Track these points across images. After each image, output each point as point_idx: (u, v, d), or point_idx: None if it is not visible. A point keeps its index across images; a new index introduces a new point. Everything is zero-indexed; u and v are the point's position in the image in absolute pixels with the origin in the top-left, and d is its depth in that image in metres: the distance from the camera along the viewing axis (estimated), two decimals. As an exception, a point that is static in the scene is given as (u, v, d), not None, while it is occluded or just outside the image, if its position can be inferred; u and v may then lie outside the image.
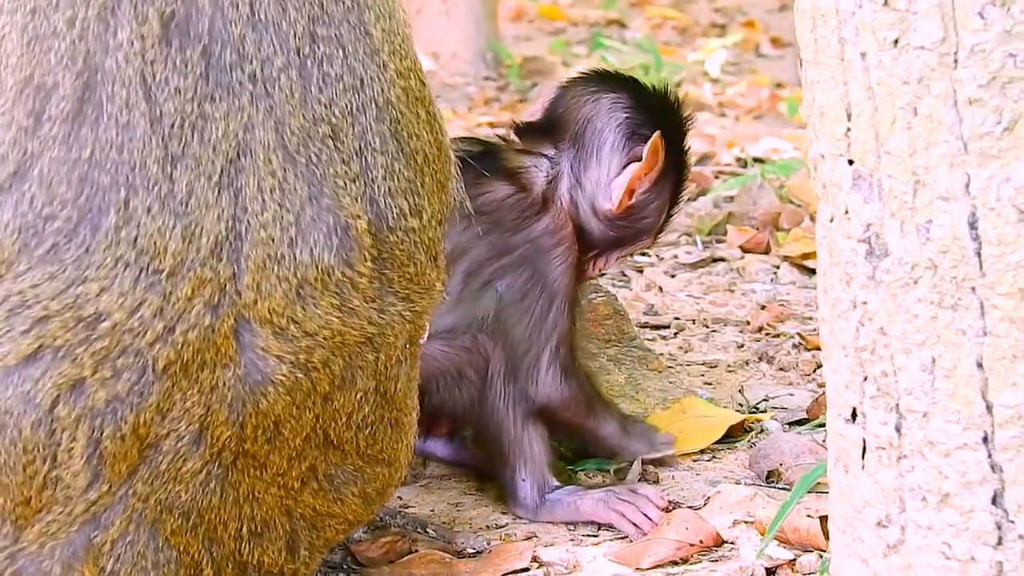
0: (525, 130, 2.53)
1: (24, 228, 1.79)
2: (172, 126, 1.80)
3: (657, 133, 2.43)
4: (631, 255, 2.82)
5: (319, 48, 1.86)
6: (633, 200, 2.47)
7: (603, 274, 2.84)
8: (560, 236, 2.45)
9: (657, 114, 2.49)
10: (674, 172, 2.51)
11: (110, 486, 1.81)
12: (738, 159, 4.54)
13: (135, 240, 1.78)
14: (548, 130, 2.51)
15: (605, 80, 2.56)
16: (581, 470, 2.53)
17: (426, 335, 2.01)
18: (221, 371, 1.82)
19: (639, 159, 2.44)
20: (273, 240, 1.82)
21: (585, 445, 2.54)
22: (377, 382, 1.93)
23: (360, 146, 1.87)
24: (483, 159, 2.38)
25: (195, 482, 1.84)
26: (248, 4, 1.83)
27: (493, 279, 2.42)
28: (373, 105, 1.88)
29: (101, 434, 1.78)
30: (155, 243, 1.78)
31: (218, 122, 1.81)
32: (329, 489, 1.96)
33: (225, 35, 1.82)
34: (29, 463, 1.78)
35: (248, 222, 1.81)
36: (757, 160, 4.43)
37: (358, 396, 1.91)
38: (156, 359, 1.79)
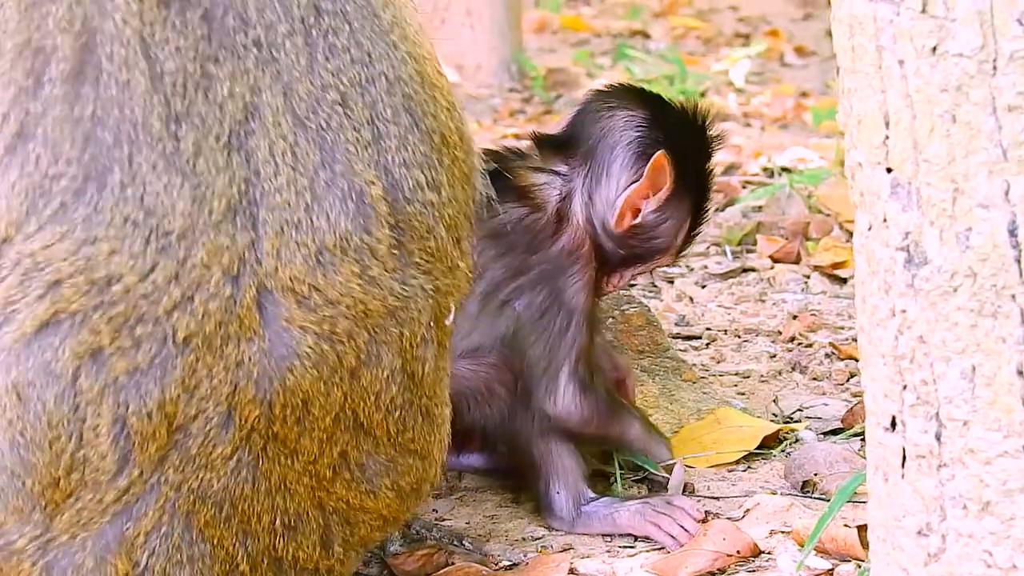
0: (544, 143, 2.52)
1: (31, 188, 1.80)
2: (174, 84, 1.82)
3: (660, 152, 2.40)
4: (651, 271, 2.80)
5: (324, 20, 1.90)
6: (640, 219, 2.45)
7: (633, 284, 2.82)
8: (578, 255, 2.44)
9: (674, 132, 2.47)
10: (691, 191, 2.49)
11: (141, 471, 1.81)
12: (765, 169, 4.53)
13: (142, 199, 1.80)
14: (565, 144, 2.50)
15: (625, 95, 2.54)
16: (615, 479, 2.53)
17: (452, 316, 1.99)
18: (246, 345, 1.83)
19: None
20: (289, 205, 1.84)
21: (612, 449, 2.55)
22: (403, 360, 1.93)
23: (371, 115, 1.91)
24: (495, 178, 2.36)
25: (226, 469, 1.85)
26: None
27: (511, 299, 2.41)
28: (383, 79, 1.92)
29: (127, 409, 1.79)
30: (162, 202, 1.79)
31: (223, 82, 1.83)
32: (361, 480, 1.96)
33: (227, 1, 1.85)
34: (55, 439, 1.79)
35: (263, 187, 1.84)
36: (784, 170, 4.42)
37: (384, 374, 1.92)
38: (176, 329, 1.80)
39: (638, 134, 2.46)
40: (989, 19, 1.44)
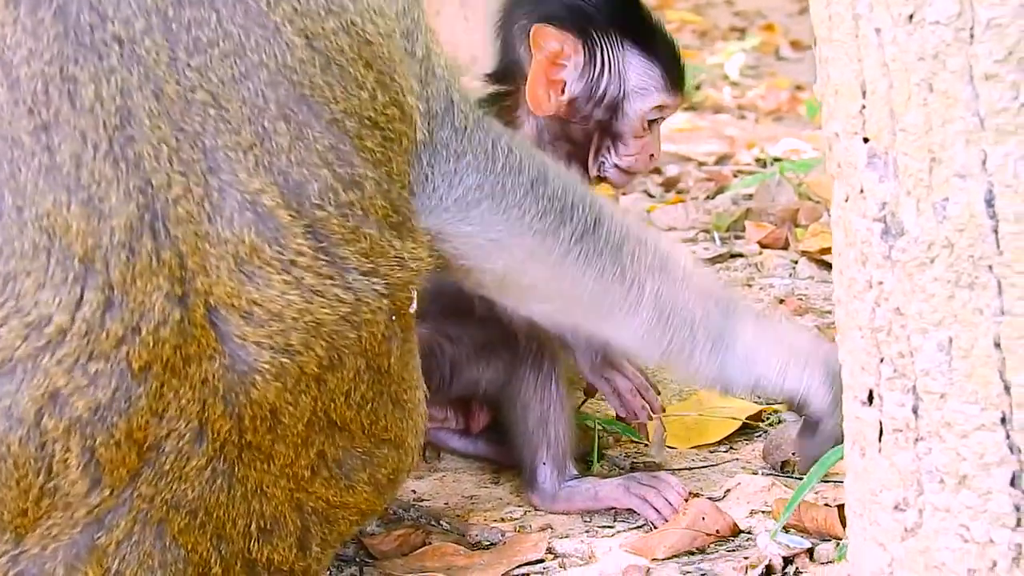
0: (493, 79, 2.50)
1: None
2: (35, 91, 1.70)
3: (534, 27, 2.36)
4: (658, 123, 2.53)
5: (185, 11, 1.76)
6: (572, 92, 2.40)
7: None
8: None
9: None
10: (617, 35, 2.41)
11: (112, 490, 1.78)
12: (757, 159, 4.53)
13: (38, 222, 1.70)
14: (501, 65, 2.48)
15: None
16: (593, 461, 2.52)
17: (414, 304, 1.95)
18: (208, 363, 1.77)
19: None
20: (193, 217, 1.74)
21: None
22: (367, 359, 1.89)
23: (251, 114, 1.77)
24: None
25: (201, 479, 1.82)
26: None
27: None
28: (264, 70, 1.78)
29: (95, 442, 1.74)
30: (56, 222, 1.70)
31: (87, 85, 1.71)
32: (340, 476, 1.93)
33: None
34: (22, 477, 1.74)
35: (159, 197, 1.73)
36: (776, 160, 4.42)
37: (350, 375, 1.87)
38: (130, 360, 1.73)
39: (524, 19, 2.43)
40: (966, -15, 1.43)
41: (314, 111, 1.80)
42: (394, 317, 1.91)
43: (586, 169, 2.45)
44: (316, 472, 1.91)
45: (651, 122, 2.46)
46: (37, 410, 1.72)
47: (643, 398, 2.44)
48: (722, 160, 4.48)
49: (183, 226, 1.74)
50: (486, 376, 2.44)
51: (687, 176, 4.35)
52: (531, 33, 2.36)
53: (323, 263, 1.81)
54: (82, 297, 1.71)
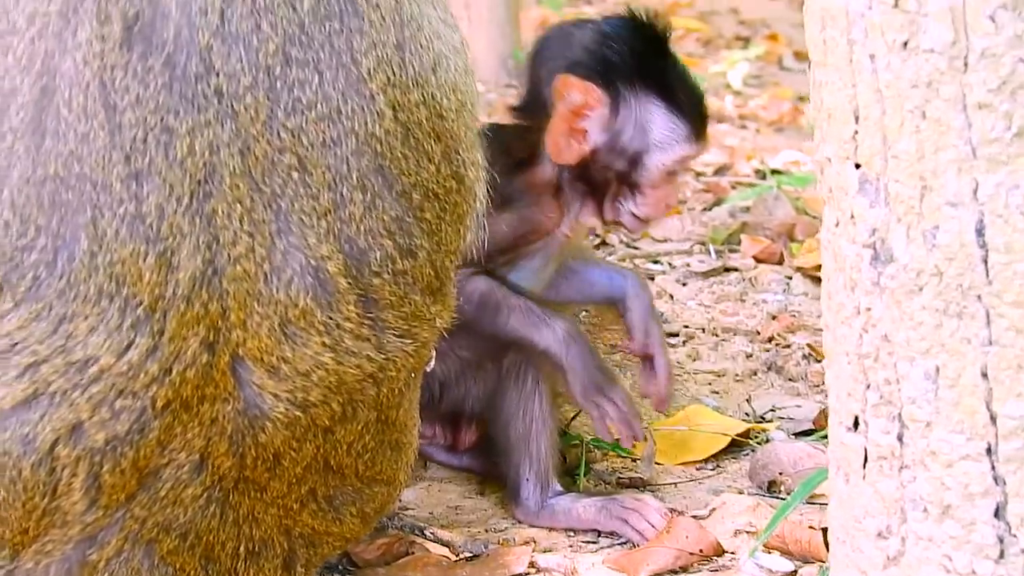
0: (518, 113, 2.48)
1: (3, 261, 1.71)
2: (134, 139, 1.70)
3: (560, 77, 2.34)
4: (678, 173, 2.52)
5: (291, 71, 1.74)
6: (594, 143, 2.38)
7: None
8: (539, 188, 2.41)
9: (585, 47, 2.39)
10: (643, 86, 2.38)
11: (106, 509, 1.78)
12: (756, 171, 4.52)
13: (111, 268, 1.70)
14: (528, 97, 2.46)
15: (548, 30, 2.49)
16: (579, 475, 2.52)
17: (432, 363, 1.96)
18: (221, 405, 1.77)
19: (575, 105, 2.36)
20: (249, 276, 1.73)
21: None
22: (379, 412, 1.89)
23: (334, 179, 1.76)
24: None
25: (195, 505, 1.82)
26: (218, 13, 1.73)
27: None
28: (353, 138, 1.77)
29: (101, 469, 1.75)
30: (130, 271, 1.70)
31: (183, 138, 1.71)
32: (328, 510, 1.93)
33: (191, 44, 1.71)
34: (29, 499, 1.75)
35: (224, 254, 1.72)
36: (775, 172, 4.41)
37: (359, 427, 1.87)
38: (155, 399, 1.73)
39: (551, 65, 2.40)
40: (961, 15, 1.42)
41: (387, 182, 1.80)
42: (413, 374, 1.91)
43: (601, 212, 2.44)
44: (305, 505, 1.91)
45: (671, 173, 2.44)
46: (54, 440, 1.73)
47: (630, 426, 2.42)
48: (721, 171, 4.47)
49: (237, 283, 1.73)
50: (473, 393, 2.44)
51: (685, 187, 4.34)
52: (555, 84, 2.35)
53: (366, 326, 1.81)
54: (133, 342, 1.71)
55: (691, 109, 2.41)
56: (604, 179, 2.42)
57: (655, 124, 2.39)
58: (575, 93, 2.35)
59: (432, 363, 1.95)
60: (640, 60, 2.39)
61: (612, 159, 2.40)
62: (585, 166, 2.41)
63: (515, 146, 2.43)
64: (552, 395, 2.46)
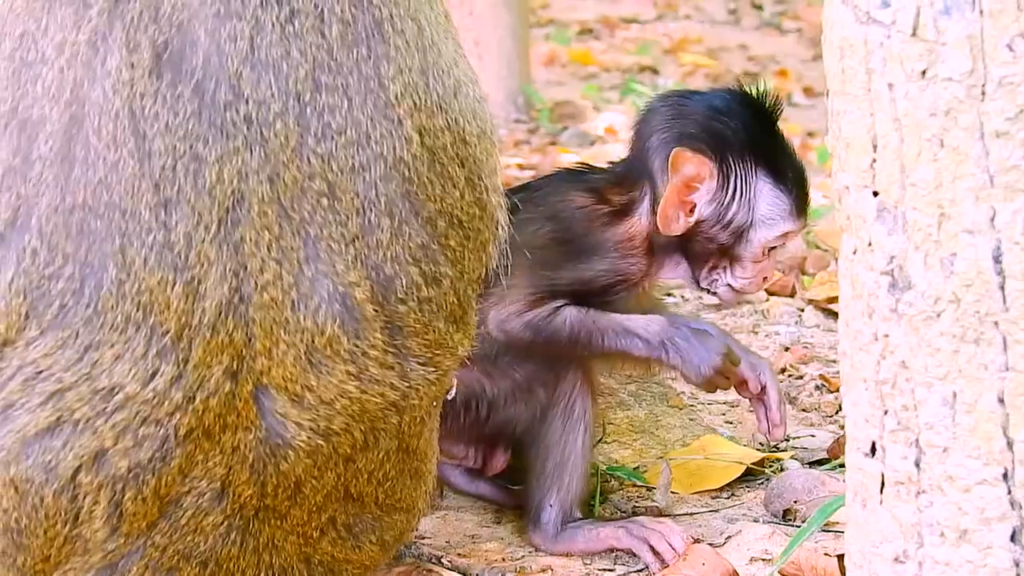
0: (617, 180, 2.49)
1: (30, 289, 1.71)
2: (163, 167, 1.70)
3: (675, 150, 2.36)
4: (777, 247, 2.52)
5: (320, 97, 1.75)
6: (699, 215, 2.40)
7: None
8: (627, 245, 2.42)
9: (699, 120, 2.41)
10: (751, 163, 2.40)
11: (127, 537, 1.78)
12: (768, 206, 4.51)
13: (138, 296, 1.71)
14: (632, 156, 2.48)
15: (663, 97, 2.52)
16: (595, 503, 2.52)
17: (453, 391, 1.96)
18: (243, 433, 1.78)
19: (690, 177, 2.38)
20: (276, 304, 1.74)
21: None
22: (400, 441, 1.89)
23: (362, 205, 1.76)
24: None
25: (216, 533, 1.82)
26: (248, 40, 1.73)
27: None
28: (381, 163, 1.77)
29: (123, 497, 1.75)
30: (157, 300, 1.70)
31: (212, 166, 1.71)
32: (348, 537, 1.93)
33: (221, 71, 1.72)
34: (51, 526, 1.76)
35: (252, 282, 1.73)
36: (786, 206, 4.41)
37: (380, 455, 1.88)
38: (178, 427, 1.74)
39: (664, 134, 2.42)
40: (979, 44, 1.44)
41: (414, 208, 1.80)
42: (434, 403, 1.92)
43: (696, 279, 2.46)
44: (325, 532, 1.91)
45: (772, 248, 2.46)
46: (76, 467, 1.73)
47: (761, 392, 2.43)
48: (732, 205, 4.47)
49: (264, 311, 1.74)
50: (519, 417, 2.44)
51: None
52: (671, 156, 2.36)
53: (390, 354, 1.82)
54: (158, 370, 1.72)
55: (796, 186, 2.44)
56: (704, 249, 2.44)
57: (762, 200, 2.42)
58: (689, 167, 2.38)
59: (453, 391, 1.95)
60: (751, 135, 2.42)
61: (716, 232, 2.42)
62: (686, 237, 2.43)
63: (612, 195, 2.45)
64: (594, 428, 2.47)
